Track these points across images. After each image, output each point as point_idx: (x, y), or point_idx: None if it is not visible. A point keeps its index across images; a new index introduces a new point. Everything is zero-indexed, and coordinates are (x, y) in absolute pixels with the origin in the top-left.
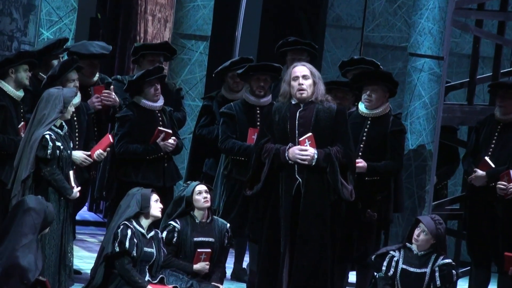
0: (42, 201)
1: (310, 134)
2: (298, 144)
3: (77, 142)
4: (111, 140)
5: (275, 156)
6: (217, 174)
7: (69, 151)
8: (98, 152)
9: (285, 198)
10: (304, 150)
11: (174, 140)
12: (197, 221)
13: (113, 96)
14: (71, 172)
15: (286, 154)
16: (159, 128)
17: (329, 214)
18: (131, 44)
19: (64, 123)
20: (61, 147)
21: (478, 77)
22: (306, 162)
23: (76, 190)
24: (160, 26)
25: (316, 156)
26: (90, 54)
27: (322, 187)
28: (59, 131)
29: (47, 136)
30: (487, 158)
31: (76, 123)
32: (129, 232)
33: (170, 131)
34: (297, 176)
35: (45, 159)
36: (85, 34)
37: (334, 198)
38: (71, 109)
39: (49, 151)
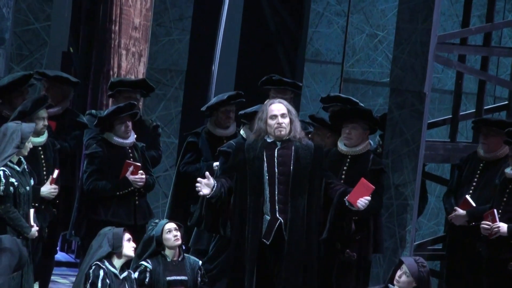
0: (18, 242)
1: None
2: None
3: (45, 179)
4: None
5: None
6: None
7: (28, 188)
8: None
9: (252, 240)
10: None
11: (142, 174)
12: (168, 259)
13: None
14: (31, 210)
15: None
16: (127, 161)
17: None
18: (104, 79)
19: (23, 159)
20: (15, 183)
21: (461, 113)
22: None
23: (35, 228)
24: (134, 61)
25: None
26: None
27: (303, 228)
28: (16, 167)
29: (1, 173)
30: (468, 197)
31: (43, 160)
32: (102, 272)
33: (139, 164)
34: (278, 216)
35: None
36: (57, 68)
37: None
38: (29, 145)
39: (1, 188)
